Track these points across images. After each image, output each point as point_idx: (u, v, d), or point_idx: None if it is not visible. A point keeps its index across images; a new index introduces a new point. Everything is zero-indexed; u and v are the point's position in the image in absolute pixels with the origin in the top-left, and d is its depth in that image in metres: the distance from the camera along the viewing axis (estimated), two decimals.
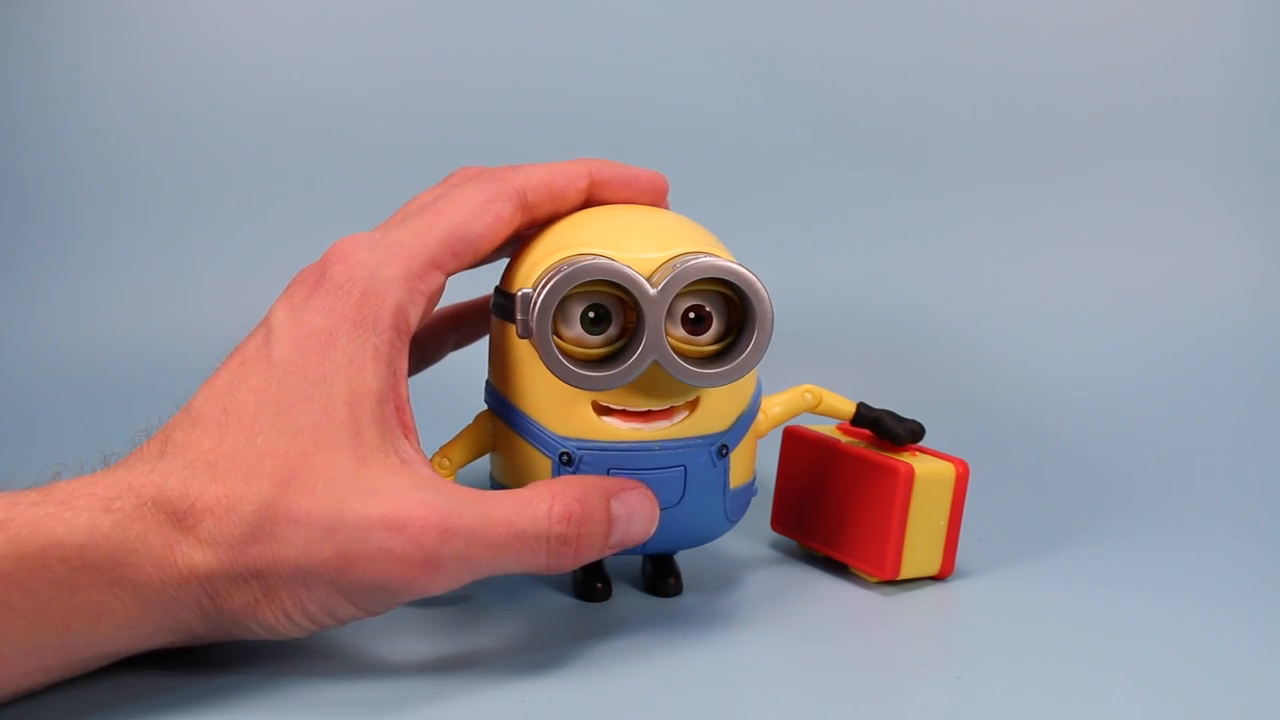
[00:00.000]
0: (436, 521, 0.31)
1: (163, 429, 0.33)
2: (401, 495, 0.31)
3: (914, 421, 0.41)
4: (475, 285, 0.41)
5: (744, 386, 0.37)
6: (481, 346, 0.39)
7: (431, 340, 0.44)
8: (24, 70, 0.75)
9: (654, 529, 0.35)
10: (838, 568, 0.42)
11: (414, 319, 0.35)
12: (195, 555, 0.30)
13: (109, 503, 0.30)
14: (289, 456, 0.31)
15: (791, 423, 0.41)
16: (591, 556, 0.34)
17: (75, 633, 0.29)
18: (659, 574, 0.40)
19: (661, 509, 0.35)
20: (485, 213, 0.36)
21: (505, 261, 0.40)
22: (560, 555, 0.33)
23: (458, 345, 0.46)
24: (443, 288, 0.36)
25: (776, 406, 0.40)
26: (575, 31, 0.74)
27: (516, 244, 0.39)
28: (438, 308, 0.40)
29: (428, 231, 0.35)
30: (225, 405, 0.32)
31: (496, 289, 0.38)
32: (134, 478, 0.30)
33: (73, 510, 0.29)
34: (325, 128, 0.74)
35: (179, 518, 0.30)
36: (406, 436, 0.34)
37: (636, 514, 0.34)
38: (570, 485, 0.33)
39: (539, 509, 0.32)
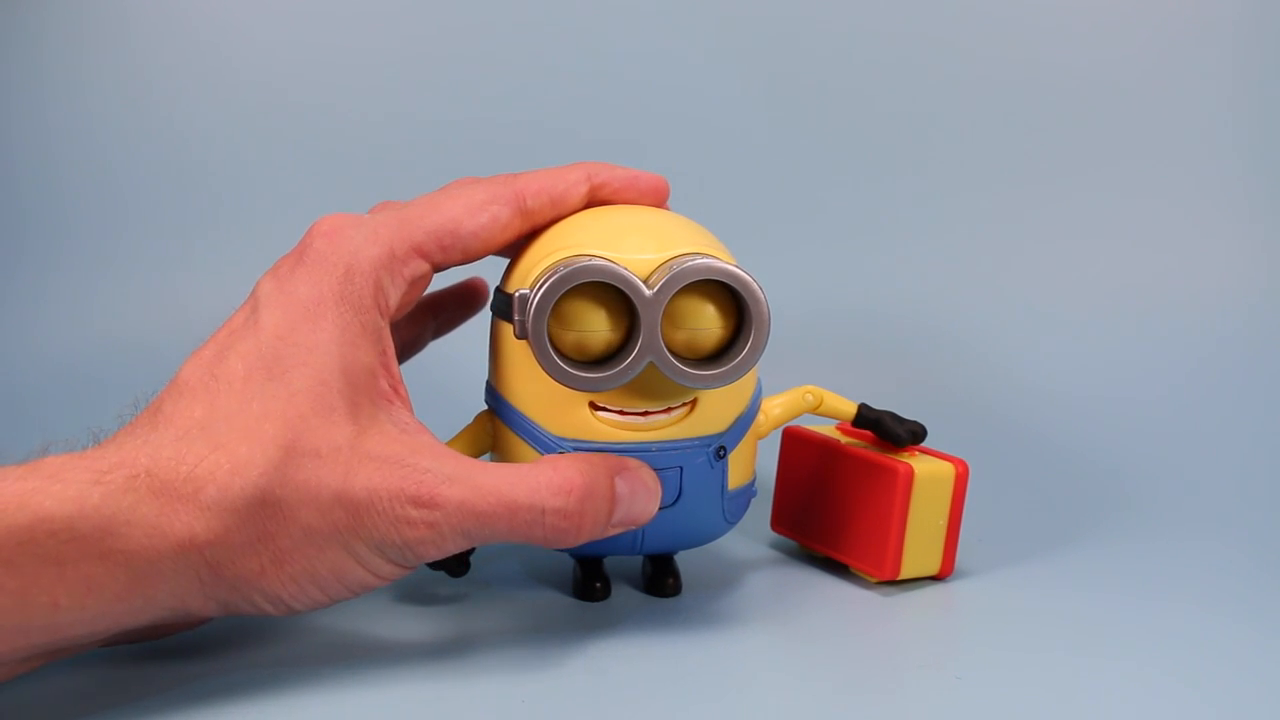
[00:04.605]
0: (432, 487, 0.31)
1: (151, 403, 0.33)
2: (402, 461, 0.32)
3: (915, 423, 0.41)
4: (453, 273, 0.41)
5: (743, 388, 0.37)
6: (482, 350, 0.39)
7: (412, 329, 0.44)
8: (24, 74, 0.75)
9: (656, 509, 0.35)
10: (838, 568, 0.42)
11: (393, 301, 0.35)
12: (196, 523, 0.30)
13: (99, 475, 0.29)
14: (288, 418, 0.31)
15: (792, 423, 0.41)
16: (595, 533, 0.34)
17: (64, 609, 0.29)
18: (658, 574, 0.40)
19: (659, 509, 0.35)
20: (480, 213, 0.36)
21: (503, 261, 0.40)
22: (559, 529, 0.33)
23: (438, 333, 0.46)
24: (428, 277, 0.36)
25: (777, 407, 0.40)
26: (575, 34, 0.74)
27: (517, 245, 0.39)
28: None
29: (417, 220, 0.35)
30: (214, 372, 0.32)
31: (496, 289, 0.38)
32: (125, 452, 0.30)
33: (61, 484, 0.29)
34: (325, 133, 0.74)
35: (175, 486, 0.30)
36: (403, 408, 0.34)
37: (639, 492, 0.34)
38: (574, 460, 0.34)
39: (536, 480, 0.33)
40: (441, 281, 0.40)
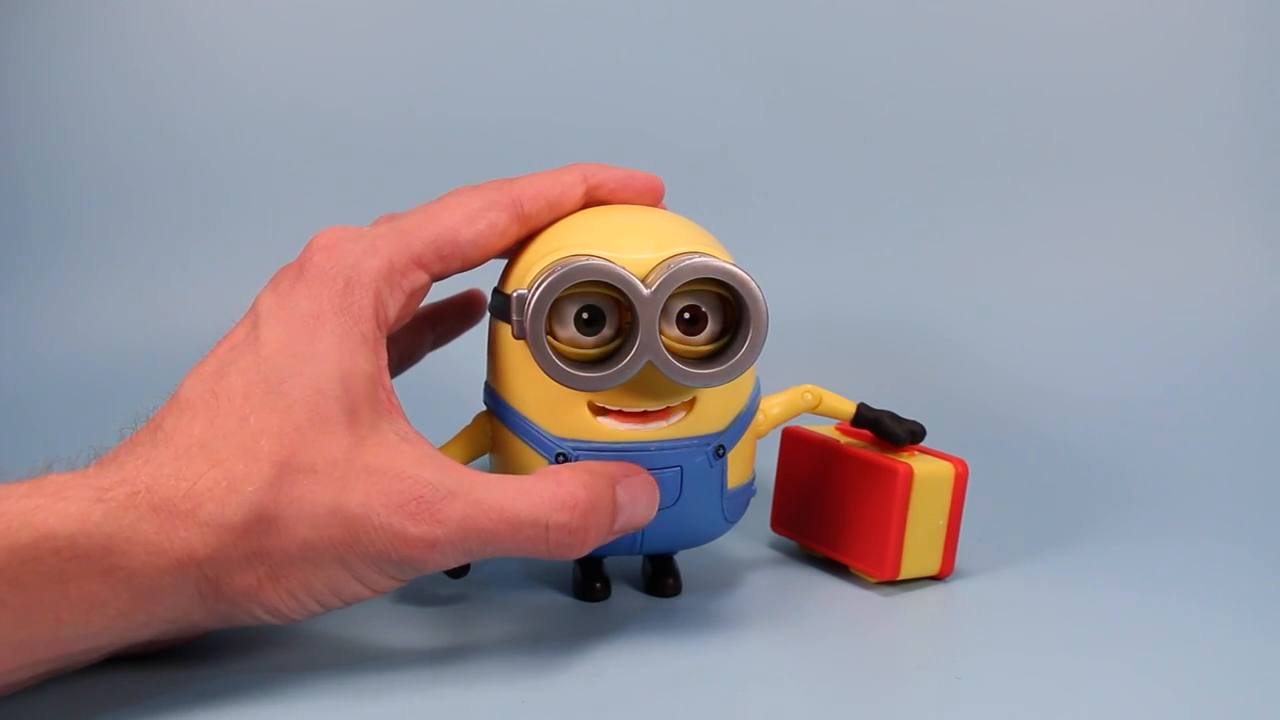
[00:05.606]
0: (432, 503, 0.31)
1: (152, 419, 0.33)
2: (401, 474, 0.32)
3: (914, 422, 0.41)
4: (452, 283, 0.41)
5: (741, 387, 0.37)
6: (480, 350, 0.39)
7: (410, 340, 0.44)
8: (24, 76, 0.75)
9: (654, 514, 0.35)
10: (838, 568, 0.42)
11: (392, 313, 0.35)
12: (194, 540, 0.30)
13: (101, 493, 0.29)
14: (284, 433, 0.31)
15: (791, 423, 0.41)
16: (598, 544, 0.34)
17: (67, 625, 0.29)
18: (658, 574, 0.40)
19: (659, 509, 0.35)
20: (478, 220, 0.36)
21: (502, 263, 0.40)
22: (563, 544, 0.33)
23: (436, 345, 0.46)
24: (426, 288, 0.36)
25: (776, 407, 0.40)
26: (573, 36, 0.74)
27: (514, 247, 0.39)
28: None
29: (416, 231, 0.35)
30: (214, 389, 0.32)
31: (494, 290, 0.38)
32: (127, 470, 0.30)
33: (64, 501, 0.29)
34: (324, 136, 0.74)
35: (175, 504, 0.30)
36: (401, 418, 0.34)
37: (640, 499, 0.34)
38: (577, 472, 0.33)
39: (538, 495, 0.32)
40: (440, 290, 0.40)
